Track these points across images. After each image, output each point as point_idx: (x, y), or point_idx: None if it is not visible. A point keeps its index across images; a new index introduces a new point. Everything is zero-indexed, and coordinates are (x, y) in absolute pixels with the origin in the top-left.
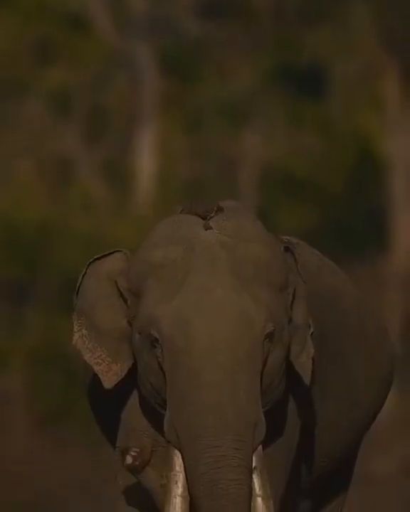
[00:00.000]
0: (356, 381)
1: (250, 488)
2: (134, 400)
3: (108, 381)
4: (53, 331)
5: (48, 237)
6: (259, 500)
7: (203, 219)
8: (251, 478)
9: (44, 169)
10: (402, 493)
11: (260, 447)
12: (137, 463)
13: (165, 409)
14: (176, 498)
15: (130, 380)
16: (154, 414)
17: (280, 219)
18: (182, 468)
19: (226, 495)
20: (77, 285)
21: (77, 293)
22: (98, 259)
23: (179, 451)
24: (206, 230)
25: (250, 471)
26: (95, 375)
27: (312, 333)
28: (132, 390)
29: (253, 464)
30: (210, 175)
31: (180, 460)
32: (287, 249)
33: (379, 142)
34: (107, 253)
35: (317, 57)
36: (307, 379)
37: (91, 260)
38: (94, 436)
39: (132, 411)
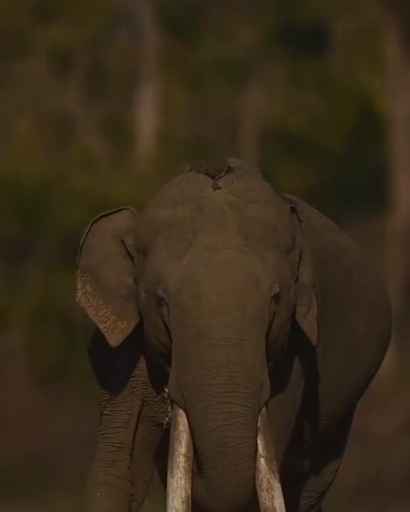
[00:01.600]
0: (357, 338)
1: (256, 448)
2: (134, 351)
3: (114, 339)
4: (54, 289)
5: (49, 195)
6: (262, 461)
7: (213, 178)
8: (257, 437)
9: (45, 127)
10: (401, 450)
11: (264, 408)
12: None
13: (169, 368)
14: (179, 457)
15: (131, 337)
16: (151, 370)
17: (280, 177)
18: (186, 427)
19: (236, 453)
20: (81, 242)
21: (80, 250)
22: (104, 216)
23: (184, 410)
24: (215, 189)
25: (257, 431)
26: (95, 332)
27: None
28: (133, 346)
29: (258, 425)
30: (210, 133)
31: (184, 420)
32: (292, 209)
33: (379, 100)
34: (113, 211)
35: (317, 15)
36: (313, 339)
37: (96, 217)
38: (93, 393)
39: (129, 361)
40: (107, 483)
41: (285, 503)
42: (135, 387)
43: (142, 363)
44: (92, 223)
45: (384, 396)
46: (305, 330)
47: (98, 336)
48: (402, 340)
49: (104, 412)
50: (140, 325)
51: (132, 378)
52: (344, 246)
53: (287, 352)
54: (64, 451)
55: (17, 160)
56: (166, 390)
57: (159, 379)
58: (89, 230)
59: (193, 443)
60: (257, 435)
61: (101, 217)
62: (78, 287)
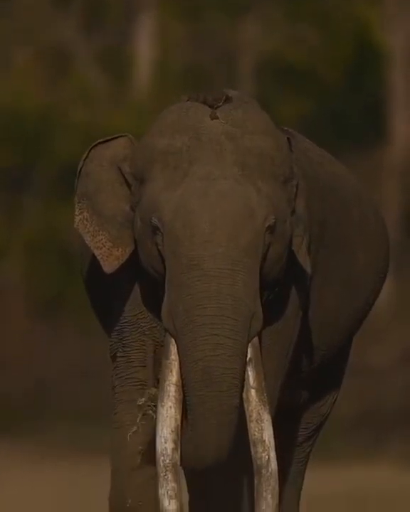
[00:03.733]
0: (355, 269)
1: (243, 379)
2: (133, 287)
3: (109, 265)
4: (52, 220)
5: (47, 127)
6: (253, 392)
7: (211, 108)
8: (244, 368)
9: (43, 59)
10: (399, 381)
11: (255, 339)
12: None
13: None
14: (170, 386)
15: (129, 268)
16: (153, 303)
17: (276, 109)
18: (177, 356)
19: (219, 382)
20: (79, 168)
21: (78, 176)
22: (102, 143)
23: (175, 338)
24: (213, 119)
25: (244, 362)
26: (93, 263)
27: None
28: (131, 279)
29: (248, 356)
30: (208, 64)
31: (175, 348)
32: (289, 140)
33: (377, 32)
34: (111, 137)
35: None
36: (308, 269)
37: (94, 144)
38: (92, 324)
39: (131, 299)
40: (136, 424)
41: (282, 435)
42: (142, 325)
43: (145, 297)
44: (90, 149)
45: (382, 327)
46: (299, 259)
47: (96, 270)
48: (400, 272)
49: (118, 354)
50: (136, 254)
51: (137, 315)
52: (342, 177)
53: (286, 283)
54: (62, 383)
55: (15, 92)
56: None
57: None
58: (87, 156)
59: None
60: (245, 367)
61: (99, 143)
62: (76, 213)
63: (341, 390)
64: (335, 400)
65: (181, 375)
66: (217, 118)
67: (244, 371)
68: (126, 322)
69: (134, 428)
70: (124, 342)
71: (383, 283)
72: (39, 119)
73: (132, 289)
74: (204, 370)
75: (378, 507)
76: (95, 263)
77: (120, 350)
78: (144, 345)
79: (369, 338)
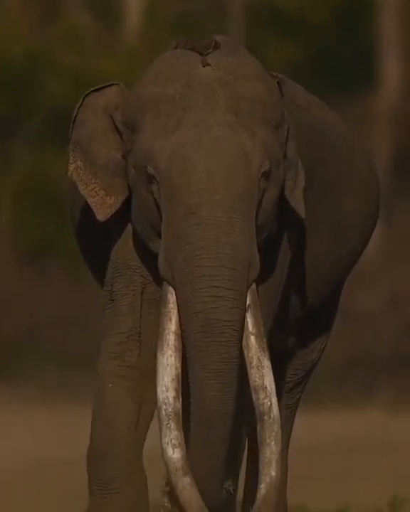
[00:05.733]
0: (344, 215)
1: (242, 330)
2: (123, 236)
3: (102, 213)
4: (41, 167)
5: (36, 72)
6: (252, 338)
7: (201, 55)
8: (244, 319)
9: (32, 2)
10: (388, 326)
11: (253, 285)
12: None
13: (157, 244)
14: (169, 334)
15: (120, 216)
16: (144, 251)
17: (267, 55)
18: (175, 305)
19: (219, 333)
20: (73, 116)
21: (72, 124)
22: (95, 91)
23: (173, 288)
24: (204, 66)
25: (244, 313)
26: (83, 210)
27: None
28: (121, 226)
29: (247, 302)
30: (198, 9)
31: (174, 297)
32: (279, 85)
33: None
34: (103, 85)
35: None
36: (301, 212)
37: (88, 91)
38: (81, 271)
39: (121, 247)
40: (118, 375)
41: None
42: (132, 266)
43: (135, 241)
44: (84, 97)
45: (373, 272)
46: (292, 204)
47: (86, 218)
48: (390, 217)
49: (107, 303)
50: (128, 202)
51: (127, 257)
52: (331, 123)
53: (275, 230)
54: (51, 328)
55: (4, 36)
56: None
57: (153, 257)
58: (81, 104)
59: (180, 321)
60: (244, 318)
61: (92, 91)
62: (70, 161)
63: (330, 336)
64: (324, 346)
65: (180, 324)
66: (209, 65)
67: (243, 320)
68: (115, 270)
69: (115, 378)
70: (113, 290)
71: (373, 229)
72: (28, 63)
73: (121, 236)
74: (204, 322)
75: (367, 452)
76: (85, 211)
77: (109, 298)
78: (133, 293)
79: (359, 284)
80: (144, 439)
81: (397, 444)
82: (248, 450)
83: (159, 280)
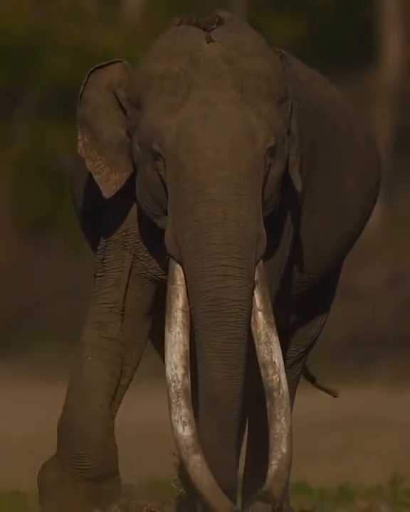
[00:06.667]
0: (345, 191)
1: (250, 309)
2: (123, 210)
3: (107, 190)
4: (42, 141)
5: (37, 47)
6: (260, 314)
7: (205, 30)
8: (252, 297)
9: None
10: (389, 304)
11: (261, 261)
12: None
13: (163, 221)
14: (177, 311)
15: (122, 191)
16: (145, 228)
17: (268, 30)
18: (183, 282)
19: (228, 313)
20: (80, 92)
21: (79, 101)
22: (100, 68)
23: (181, 265)
24: (209, 43)
25: (252, 291)
26: (84, 185)
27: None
28: (122, 202)
29: (255, 278)
30: None
31: (181, 274)
32: (281, 59)
33: None
34: (107, 62)
35: None
36: (299, 187)
37: (92, 68)
38: (80, 245)
39: (119, 224)
40: (99, 346)
41: None
42: (126, 241)
43: (134, 216)
44: (89, 74)
45: (373, 250)
46: (292, 178)
47: (86, 192)
48: (391, 195)
49: (97, 274)
50: (132, 178)
51: (123, 233)
52: (332, 99)
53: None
54: (50, 302)
55: (5, 12)
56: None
57: (151, 232)
58: (86, 81)
59: (188, 298)
60: (252, 296)
61: (97, 68)
62: (78, 138)
63: (331, 313)
64: (324, 322)
65: (188, 302)
66: (213, 41)
67: (251, 299)
68: (110, 241)
69: (95, 350)
70: (104, 261)
71: (374, 204)
72: (28, 39)
73: (122, 211)
74: (213, 301)
75: (368, 430)
76: (86, 186)
77: (100, 268)
78: (123, 262)
79: (359, 262)
80: (117, 410)
81: (398, 422)
82: (247, 426)
83: (157, 257)
